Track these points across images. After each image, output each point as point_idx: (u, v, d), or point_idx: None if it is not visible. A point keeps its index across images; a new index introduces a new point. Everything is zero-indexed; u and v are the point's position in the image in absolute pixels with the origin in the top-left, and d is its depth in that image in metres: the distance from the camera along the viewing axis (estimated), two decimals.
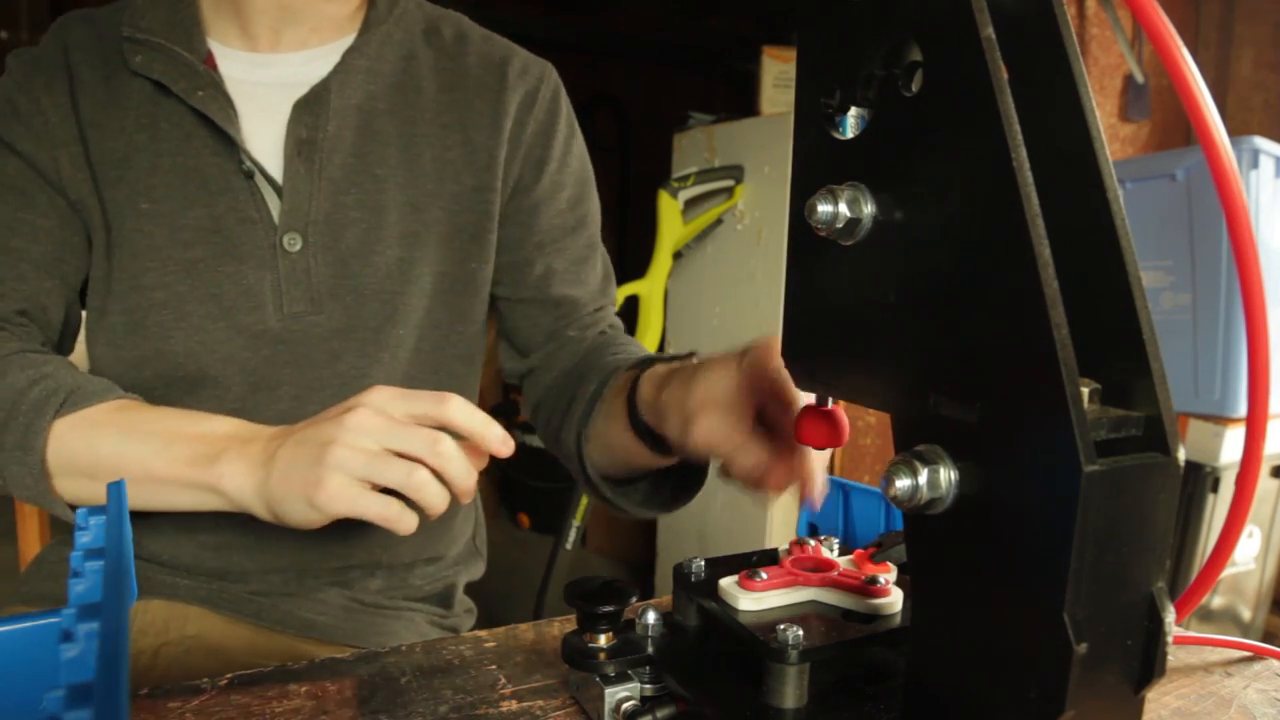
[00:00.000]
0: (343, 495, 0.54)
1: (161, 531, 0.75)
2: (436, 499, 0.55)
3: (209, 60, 0.73)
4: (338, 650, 0.76)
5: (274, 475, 0.56)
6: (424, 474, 0.54)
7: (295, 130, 0.72)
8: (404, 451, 0.54)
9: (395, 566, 0.82)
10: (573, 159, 0.85)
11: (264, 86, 0.74)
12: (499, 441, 0.57)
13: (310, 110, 0.72)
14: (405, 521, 0.55)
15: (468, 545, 0.91)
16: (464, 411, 0.56)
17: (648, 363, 0.70)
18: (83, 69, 0.72)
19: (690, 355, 0.70)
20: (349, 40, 0.76)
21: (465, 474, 0.56)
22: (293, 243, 0.72)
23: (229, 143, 0.71)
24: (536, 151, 0.81)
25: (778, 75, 2.14)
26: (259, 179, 0.72)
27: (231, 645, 0.75)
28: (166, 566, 0.77)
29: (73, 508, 0.63)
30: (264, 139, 0.73)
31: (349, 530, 0.76)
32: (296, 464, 0.55)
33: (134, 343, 0.72)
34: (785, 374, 0.55)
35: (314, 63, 0.75)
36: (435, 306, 0.78)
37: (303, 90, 0.73)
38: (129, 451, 0.60)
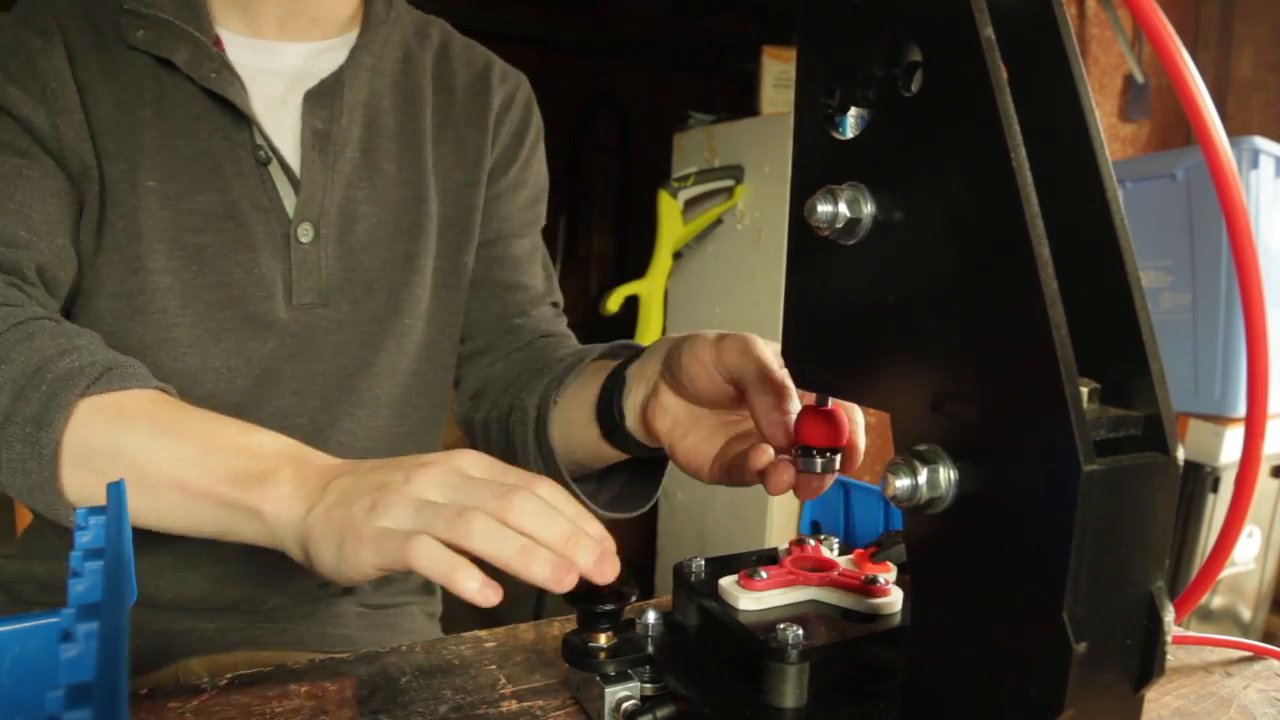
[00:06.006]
0: (376, 545, 0.44)
1: (160, 569, 0.72)
2: (498, 545, 0.43)
3: (217, 43, 0.71)
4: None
5: (319, 509, 0.48)
6: (483, 519, 0.43)
7: (311, 121, 0.72)
8: (471, 504, 0.45)
9: None
10: (536, 163, 0.88)
11: (269, 74, 0.73)
12: (586, 541, 0.45)
13: (323, 103, 0.72)
14: (461, 574, 0.42)
15: None
16: (551, 491, 0.47)
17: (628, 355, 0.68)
18: (73, 34, 0.67)
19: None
20: (349, 38, 0.76)
21: (549, 528, 0.44)
22: (305, 234, 0.71)
23: (241, 128, 0.69)
24: (511, 147, 0.85)
25: (778, 75, 2.13)
26: (274, 166, 0.70)
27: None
28: (168, 609, 0.73)
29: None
30: (273, 126, 0.72)
31: None
32: (345, 502, 0.47)
33: (129, 329, 0.68)
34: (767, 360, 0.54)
35: (317, 57, 0.75)
36: (434, 299, 0.80)
37: (310, 82, 0.72)
38: (161, 453, 0.52)
